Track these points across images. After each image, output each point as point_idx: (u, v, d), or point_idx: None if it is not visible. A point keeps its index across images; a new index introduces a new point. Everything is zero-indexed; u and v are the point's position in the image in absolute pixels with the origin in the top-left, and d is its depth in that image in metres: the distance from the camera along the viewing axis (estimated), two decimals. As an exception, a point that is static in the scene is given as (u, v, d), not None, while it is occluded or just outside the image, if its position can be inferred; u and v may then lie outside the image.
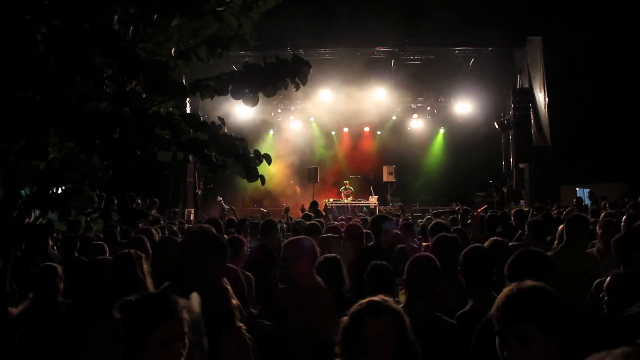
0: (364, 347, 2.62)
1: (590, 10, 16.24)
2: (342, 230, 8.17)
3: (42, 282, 4.78)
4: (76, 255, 6.69)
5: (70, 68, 3.65)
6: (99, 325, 3.59)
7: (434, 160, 25.52)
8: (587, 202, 15.59)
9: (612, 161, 17.58)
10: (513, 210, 10.43)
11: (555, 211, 12.20)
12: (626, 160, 17.20)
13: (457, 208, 15.62)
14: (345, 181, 23.60)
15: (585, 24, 16.60)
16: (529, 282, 2.46)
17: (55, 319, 4.40)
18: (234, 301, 3.85)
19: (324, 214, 13.92)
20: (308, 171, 23.79)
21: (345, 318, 2.73)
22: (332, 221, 11.16)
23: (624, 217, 7.08)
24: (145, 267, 4.16)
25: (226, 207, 16.74)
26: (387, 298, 2.76)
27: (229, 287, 3.87)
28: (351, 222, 8.49)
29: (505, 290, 2.45)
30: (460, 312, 3.81)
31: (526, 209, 14.74)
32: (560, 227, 6.10)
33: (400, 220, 9.52)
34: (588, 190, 17.45)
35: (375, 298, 2.74)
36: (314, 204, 14.61)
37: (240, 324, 3.81)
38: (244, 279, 5.48)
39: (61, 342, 4.10)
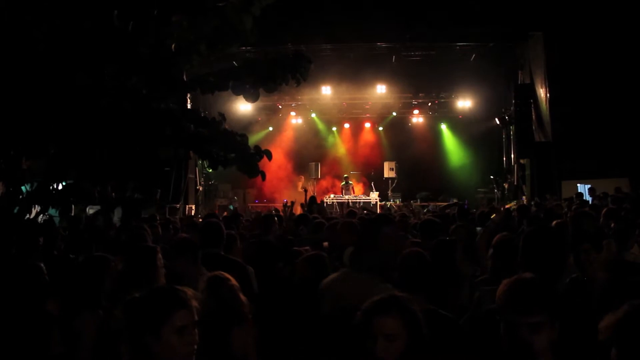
0: (373, 346, 2.57)
1: (592, 5, 16.18)
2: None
3: (25, 281, 4.64)
4: (55, 253, 6.53)
5: (71, 65, 3.65)
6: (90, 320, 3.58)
7: (435, 156, 25.46)
8: (588, 197, 15.55)
9: (614, 157, 17.54)
10: (516, 206, 10.42)
11: (554, 204, 12.18)
12: (628, 156, 17.17)
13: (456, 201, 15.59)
14: (345, 176, 23.56)
15: (587, 19, 16.55)
16: (528, 275, 2.62)
17: (41, 315, 4.29)
18: (243, 297, 3.86)
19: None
20: (309, 167, 23.79)
21: (359, 313, 2.67)
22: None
23: (603, 211, 7.09)
24: (160, 261, 4.12)
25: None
26: (400, 295, 2.72)
27: (236, 283, 3.88)
28: (345, 220, 8.39)
29: (510, 283, 2.57)
30: None
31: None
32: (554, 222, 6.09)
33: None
34: (589, 186, 17.42)
35: (385, 295, 2.69)
36: (312, 200, 14.64)
37: (250, 320, 3.83)
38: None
39: (54, 339, 4.07)
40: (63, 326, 3.92)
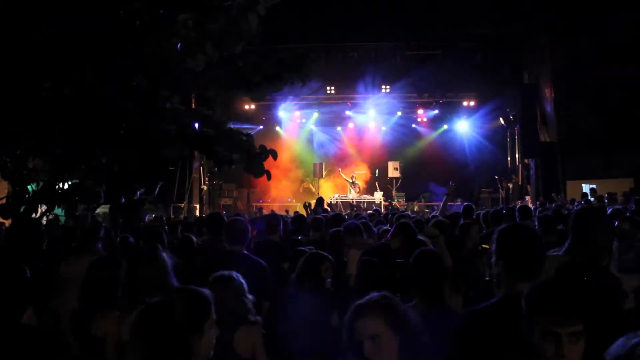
0: (362, 350, 2.52)
1: (598, 6, 16.14)
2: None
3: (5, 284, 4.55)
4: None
5: (76, 64, 3.65)
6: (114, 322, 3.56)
7: (439, 155, 25.36)
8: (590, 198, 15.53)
9: (619, 157, 17.50)
10: (518, 206, 10.37)
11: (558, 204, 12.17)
12: (633, 156, 17.12)
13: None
14: (351, 175, 23.52)
15: (593, 19, 16.51)
16: (549, 279, 2.48)
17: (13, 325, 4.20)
18: (249, 297, 3.85)
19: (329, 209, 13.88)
20: (314, 166, 23.79)
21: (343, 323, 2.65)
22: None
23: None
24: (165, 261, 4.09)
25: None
26: (381, 294, 2.65)
27: (243, 282, 3.87)
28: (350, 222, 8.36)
29: (542, 287, 2.43)
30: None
31: (530, 205, 14.72)
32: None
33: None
34: (590, 186, 17.39)
35: (364, 300, 2.64)
36: (320, 201, 14.62)
37: (256, 320, 3.81)
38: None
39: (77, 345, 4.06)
40: (81, 328, 3.91)
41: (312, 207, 13.49)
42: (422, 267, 3.77)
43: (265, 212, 18.49)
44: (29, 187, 3.88)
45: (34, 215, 4.04)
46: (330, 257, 5.06)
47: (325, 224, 7.83)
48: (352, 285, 5.62)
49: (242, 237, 5.41)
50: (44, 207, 4.08)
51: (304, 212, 12.70)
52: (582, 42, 17.44)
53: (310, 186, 24.35)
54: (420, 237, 6.92)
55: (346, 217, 9.32)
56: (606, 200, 13.21)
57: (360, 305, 2.60)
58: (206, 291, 2.62)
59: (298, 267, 4.94)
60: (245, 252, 5.40)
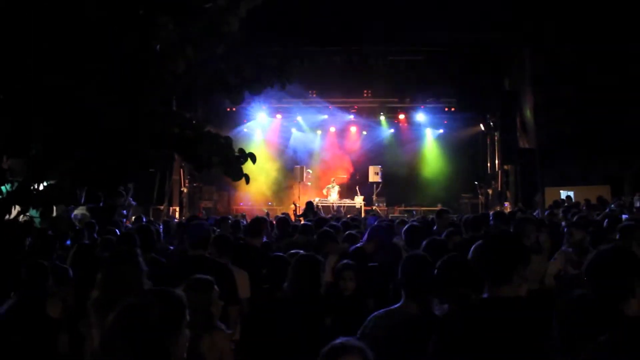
0: None
1: (578, 13, 16.32)
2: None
3: (30, 280, 4.65)
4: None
5: (54, 60, 3.61)
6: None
7: (420, 161, 25.51)
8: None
9: (596, 164, 17.71)
10: (492, 212, 10.52)
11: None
12: (610, 164, 17.33)
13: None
14: (332, 179, 23.51)
15: (573, 26, 16.69)
16: None
17: (41, 317, 4.30)
18: (219, 303, 3.82)
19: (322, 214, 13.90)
20: (294, 170, 23.74)
21: (323, 353, 2.76)
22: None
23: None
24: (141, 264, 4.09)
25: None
26: (356, 341, 2.84)
27: (216, 287, 3.84)
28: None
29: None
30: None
31: (509, 210, 14.84)
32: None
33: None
34: (566, 193, 17.58)
35: (345, 340, 2.80)
36: (309, 205, 14.62)
37: (222, 326, 3.78)
38: (240, 277, 5.47)
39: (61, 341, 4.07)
40: (69, 328, 3.93)
41: (302, 212, 13.50)
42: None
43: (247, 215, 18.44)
44: (2, 188, 3.82)
45: (8, 216, 3.98)
46: (323, 260, 5.03)
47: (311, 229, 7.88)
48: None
49: (204, 240, 5.38)
50: (18, 209, 4.01)
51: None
52: (562, 50, 17.62)
53: (291, 190, 24.29)
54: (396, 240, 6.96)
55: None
56: (584, 207, 13.38)
57: (344, 343, 2.78)
58: (180, 292, 2.65)
59: (293, 271, 4.82)
60: (207, 255, 5.37)
